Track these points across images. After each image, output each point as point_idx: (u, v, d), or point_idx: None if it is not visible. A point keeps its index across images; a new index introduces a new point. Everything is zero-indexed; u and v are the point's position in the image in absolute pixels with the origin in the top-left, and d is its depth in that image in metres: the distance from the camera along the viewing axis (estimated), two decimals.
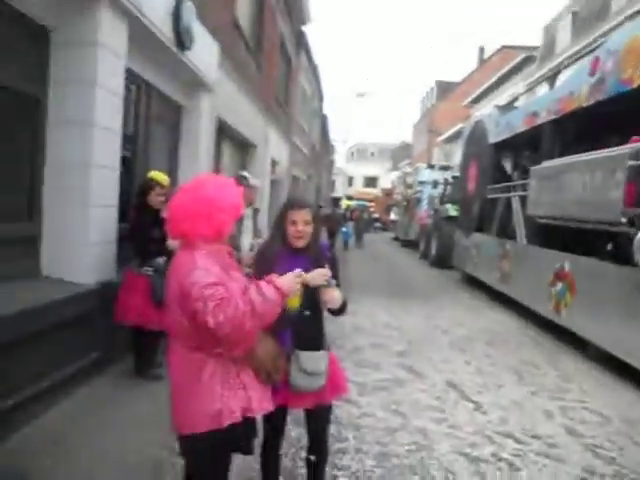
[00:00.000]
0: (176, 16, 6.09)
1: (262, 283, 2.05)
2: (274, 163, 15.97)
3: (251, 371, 2.16)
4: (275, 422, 2.61)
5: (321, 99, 31.48)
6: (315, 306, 2.49)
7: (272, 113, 14.56)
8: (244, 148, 12.75)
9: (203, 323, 1.91)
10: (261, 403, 2.16)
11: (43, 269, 4.59)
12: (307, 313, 2.49)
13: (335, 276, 2.49)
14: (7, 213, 4.38)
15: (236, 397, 2.07)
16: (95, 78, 4.54)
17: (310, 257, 2.52)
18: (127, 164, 5.98)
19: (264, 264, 2.47)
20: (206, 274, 1.97)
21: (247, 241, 5.17)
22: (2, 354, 3.39)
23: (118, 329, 4.65)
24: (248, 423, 2.13)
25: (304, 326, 2.50)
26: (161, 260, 4.54)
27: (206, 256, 2.05)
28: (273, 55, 14.18)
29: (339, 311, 2.57)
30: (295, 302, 2.27)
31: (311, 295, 2.39)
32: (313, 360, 2.48)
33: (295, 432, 3.64)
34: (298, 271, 2.20)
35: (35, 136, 4.52)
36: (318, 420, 2.69)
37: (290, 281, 2.13)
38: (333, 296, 2.41)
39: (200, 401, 2.04)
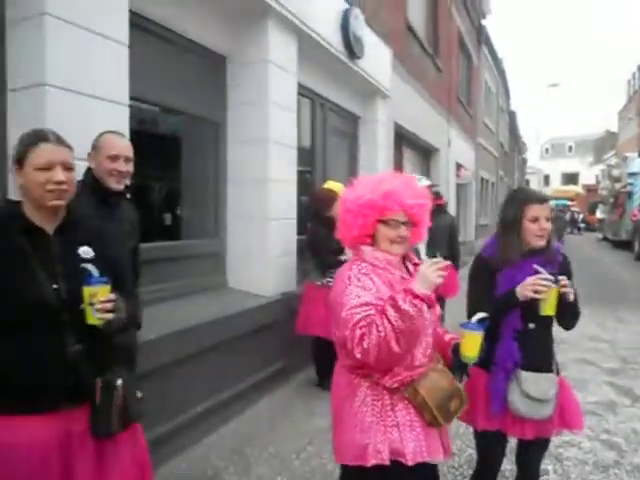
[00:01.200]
0: (345, 26, 6.09)
1: (398, 295, 1.70)
2: (459, 166, 15.33)
3: (412, 408, 1.80)
4: (487, 451, 2.33)
5: (507, 95, 29.66)
6: (541, 317, 2.12)
7: (454, 114, 13.99)
8: (425, 153, 12.43)
9: (350, 351, 1.70)
10: (418, 451, 1.76)
11: (229, 282, 4.85)
12: (531, 326, 2.17)
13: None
14: (197, 230, 4.73)
15: (385, 435, 1.77)
16: (268, 96, 4.70)
17: (546, 259, 2.20)
18: (305, 177, 6.12)
19: (487, 276, 2.22)
20: (358, 292, 1.75)
21: (422, 248, 4.87)
22: (194, 361, 3.59)
23: (299, 340, 4.69)
24: (418, 470, 1.77)
25: (529, 341, 2.15)
26: None
27: (365, 269, 1.82)
28: (451, 54, 13.65)
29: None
30: (473, 350, 1.81)
31: (534, 305, 2.07)
32: (539, 383, 2.13)
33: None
34: (442, 261, 1.76)
35: (217, 156, 4.83)
36: (532, 453, 2.33)
37: (428, 276, 1.69)
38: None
39: (349, 430, 1.82)
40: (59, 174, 1.59)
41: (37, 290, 1.55)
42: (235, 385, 4.10)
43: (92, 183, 2.39)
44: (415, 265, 1.96)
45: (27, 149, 1.61)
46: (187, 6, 4.12)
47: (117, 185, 2.40)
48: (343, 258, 4.27)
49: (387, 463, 1.74)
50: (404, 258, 1.96)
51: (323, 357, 4.70)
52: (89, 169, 2.44)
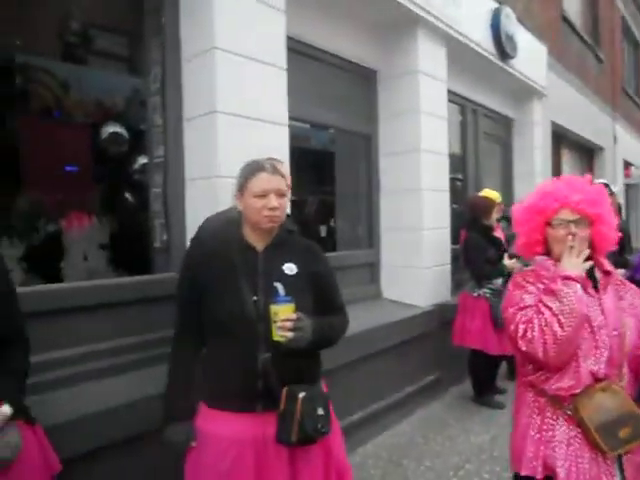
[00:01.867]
0: (495, 26, 5.86)
1: (552, 284, 1.70)
2: (627, 165, 13.86)
3: (575, 425, 1.69)
4: None
5: None
6: None
7: (620, 108, 12.72)
8: (588, 153, 11.46)
9: (517, 346, 1.73)
10: (573, 470, 1.65)
11: (383, 292, 4.89)
12: None
13: None
14: (352, 241, 4.86)
15: (541, 448, 1.72)
16: (419, 106, 4.68)
17: None
18: (456, 185, 5.97)
19: None
20: (521, 295, 1.77)
21: None
22: (351, 370, 3.68)
23: (455, 351, 4.57)
24: None
25: None
26: (499, 281, 4.30)
27: (530, 277, 1.81)
28: (614, 42, 12.45)
29: None
30: None
31: None
32: None
33: None
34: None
35: (369, 168, 4.91)
36: None
37: (572, 262, 1.71)
38: None
39: (516, 438, 1.83)
40: (273, 201, 1.78)
41: (240, 302, 1.75)
42: (390, 395, 4.10)
43: None
44: (606, 273, 1.82)
45: (247, 179, 1.82)
46: (338, 25, 4.28)
47: None
48: (506, 268, 4.15)
49: (540, 477, 1.70)
50: (592, 268, 1.80)
51: (479, 371, 4.53)
52: None
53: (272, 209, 1.77)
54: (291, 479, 1.75)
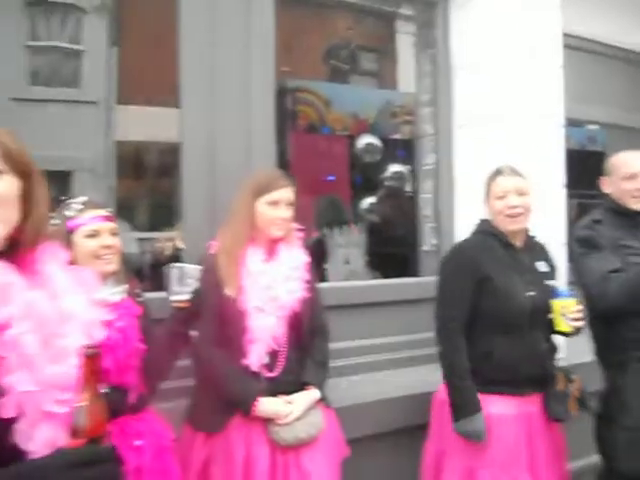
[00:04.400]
0: None
1: None
2: None
3: None
4: None
5: None
6: None
7: None
8: None
9: None
10: None
11: None
12: None
13: None
14: None
15: None
16: None
17: None
18: None
19: None
20: None
21: None
22: None
23: None
24: None
25: None
26: None
27: None
28: None
29: None
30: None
31: None
32: None
33: None
34: None
35: None
36: None
37: None
38: None
39: None
40: (513, 200, 1.97)
41: (518, 296, 1.94)
42: None
43: (613, 207, 2.30)
44: None
45: (489, 184, 2.07)
46: (620, 15, 3.95)
47: (636, 205, 2.27)
48: None
49: None
50: None
51: None
52: (607, 194, 2.35)
53: (512, 207, 1.95)
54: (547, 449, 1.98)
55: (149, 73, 5.54)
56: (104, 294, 1.41)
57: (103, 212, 1.69)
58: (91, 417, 0.74)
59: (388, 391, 2.52)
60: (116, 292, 1.61)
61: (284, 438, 1.75)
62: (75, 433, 0.74)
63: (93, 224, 1.64)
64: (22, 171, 0.84)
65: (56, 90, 5.40)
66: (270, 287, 1.82)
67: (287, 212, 1.87)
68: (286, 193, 1.87)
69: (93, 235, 1.63)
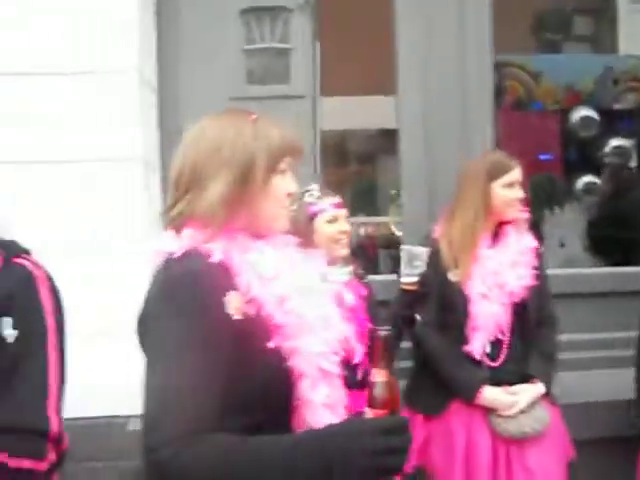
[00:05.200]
0: None
1: None
2: None
3: None
4: None
5: None
6: None
7: None
8: None
9: None
10: None
11: None
12: None
13: None
14: None
15: None
16: None
17: None
18: None
19: None
20: None
21: None
22: None
23: None
24: None
25: None
26: None
27: None
28: None
29: None
30: None
31: None
32: None
33: None
34: None
35: None
36: None
37: None
38: None
39: None
40: None
41: None
42: None
43: None
44: None
45: None
46: None
47: None
48: None
49: None
50: None
51: None
52: None
53: None
54: None
55: (350, 65, 5.72)
56: (335, 275, 1.49)
57: (338, 199, 1.77)
58: (390, 391, 0.82)
59: (616, 391, 2.28)
60: (344, 273, 1.69)
61: (508, 430, 1.71)
62: (377, 405, 0.82)
63: (332, 210, 1.72)
64: None
65: (269, 87, 5.88)
66: (497, 273, 1.77)
67: (521, 193, 1.83)
68: (518, 173, 1.84)
69: (332, 221, 1.71)
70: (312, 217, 1.70)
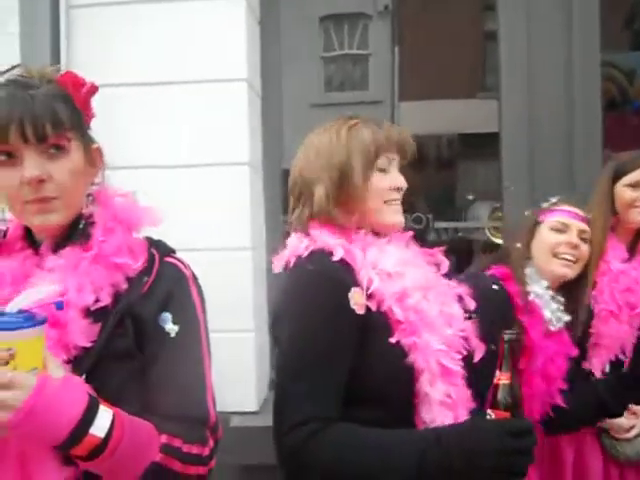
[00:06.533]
0: None
1: None
2: None
3: None
4: None
5: None
6: None
7: None
8: None
9: None
10: None
11: None
12: None
13: None
14: None
15: None
16: None
17: None
18: None
19: None
20: None
21: None
22: None
23: None
24: None
25: None
26: None
27: None
28: None
29: None
30: None
31: None
32: None
33: None
34: None
35: None
36: None
37: None
38: None
39: None
40: None
41: None
42: None
43: None
44: None
45: None
46: None
47: None
48: None
49: None
50: None
51: None
52: None
53: None
54: None
55: (429, 70, 5.62)
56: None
57: (579, 210, 1.53)
58: (513, 394, 0.83)
59: None
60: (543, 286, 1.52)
61: (625, 453, 1.57)
62: (500, 407, 0.83)
63: (562, 216, 1.51)
64: None
65: (347, 94, 5.92)
66: (630, 291, 1.60)
67: None
68: None
69: (559, 229, 1.49)
70: (539, 222, 1.55)
